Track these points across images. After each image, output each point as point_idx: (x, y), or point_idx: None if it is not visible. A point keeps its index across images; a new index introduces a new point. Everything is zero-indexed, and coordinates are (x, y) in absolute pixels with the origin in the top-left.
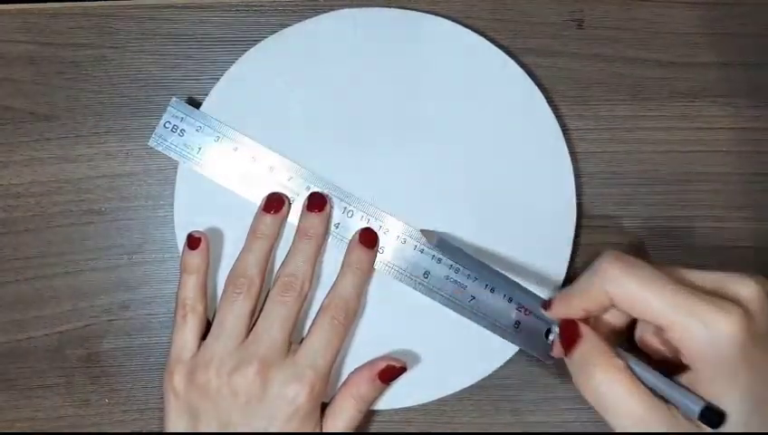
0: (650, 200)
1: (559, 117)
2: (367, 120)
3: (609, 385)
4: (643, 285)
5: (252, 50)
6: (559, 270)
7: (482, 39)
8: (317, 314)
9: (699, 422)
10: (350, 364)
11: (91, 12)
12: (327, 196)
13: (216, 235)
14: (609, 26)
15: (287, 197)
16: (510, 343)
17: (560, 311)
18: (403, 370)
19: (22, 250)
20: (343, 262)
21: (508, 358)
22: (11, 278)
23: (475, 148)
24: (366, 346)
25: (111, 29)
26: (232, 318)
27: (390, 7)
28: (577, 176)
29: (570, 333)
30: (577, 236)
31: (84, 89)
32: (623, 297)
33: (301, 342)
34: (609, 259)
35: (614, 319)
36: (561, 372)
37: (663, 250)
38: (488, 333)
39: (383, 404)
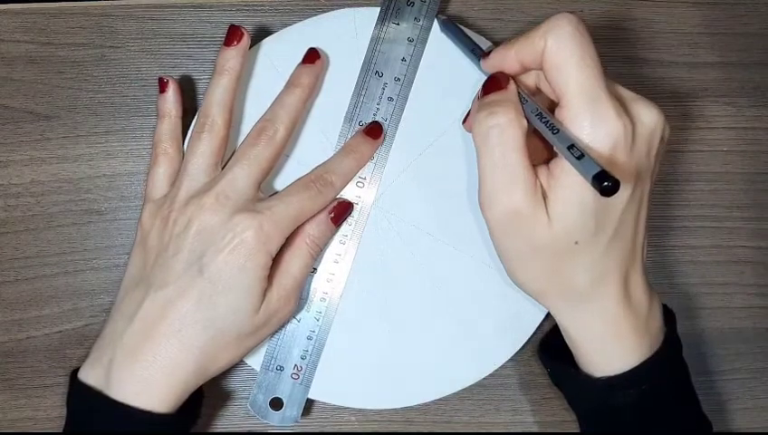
0: (650, 200)
1: None
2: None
3: (500, 131)
4: (579, 53)
5: (252, 50)
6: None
7: (482, 39)
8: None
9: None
10: (350, 363)
11: (91, 12)
12: (321, 52)
13: None
14: (608, 26)
15: (245, 28)
16: (510, 344)
17: (498, 57)
18: (351, 206)
19: (22, 250)
20: (344, 145)
21: (508, 358)
22: (11, 278)
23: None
24: (366, 346)
25: (111, 29)
26: (194, 157)
27: None
28: None
29: (496, 80)
30: None
31: (84, 89)
32: (556, 53)
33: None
34: (566, 16)
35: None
36: None
37: (663, 250)
38: (488, 332)
39: (384, 404)
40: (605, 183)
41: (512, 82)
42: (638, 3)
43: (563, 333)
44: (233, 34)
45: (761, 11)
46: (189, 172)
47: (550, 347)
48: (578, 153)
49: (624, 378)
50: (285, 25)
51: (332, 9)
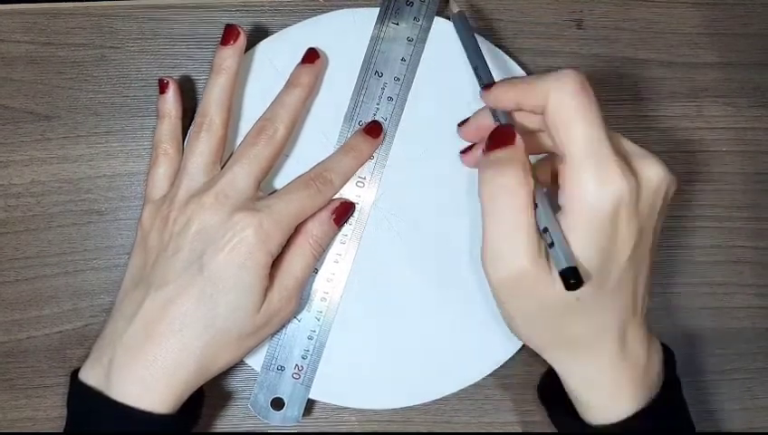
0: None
1: None
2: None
3: (509, 192)
4: (583, 110)
5: (252, 50)
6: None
7: (482, 39)
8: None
9: (556, 274)
10: (351, 362)
11: (91, 12)
12: (321, 51)
13: None
14: (608, 26)
15: (242, 27)
16: (510, 344)
17: (498, 94)
18: (353, 206)
19: (22, 250)
20: (343, 144)
21: (508, 358)
22: (11, 278)
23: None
24: (366, 345)
25: (111, 29)
26: (193, 157)
27: None
28: None
29: (504, 134)
30: None
31: (84, 89)
32: (558, 107)
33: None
34: (572, 74)
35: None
36: None
37: (663, 250)
38: (488, 332)
39: (384, 404)
40: (571, 280)
41: (519, 138)
42: (637, 3)
43: (562, 382)
44: (229, 34)
45: (760, 11)
46: (188, 171)
47: (547, 389)
48: (549, 240)
49: (619, 427)
50: (285, 26)
51: (332, 9)
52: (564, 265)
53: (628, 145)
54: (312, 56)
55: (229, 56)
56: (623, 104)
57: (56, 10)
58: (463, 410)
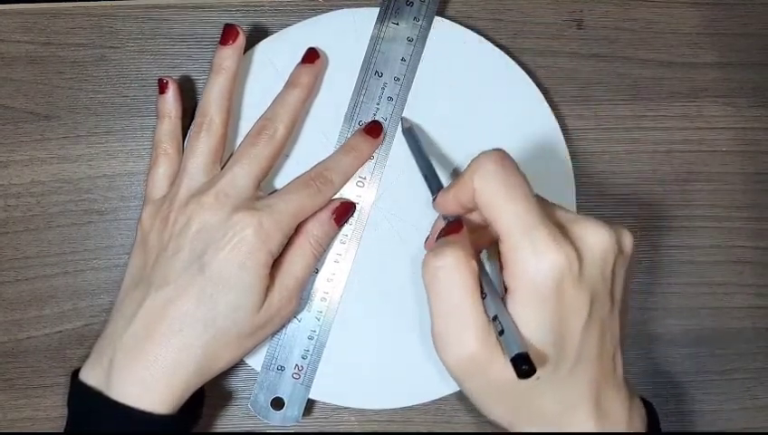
0: (650, 200)
1: (559, 117)
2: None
3: (449, 270)
4: (504, 189)
5: (252, 50)
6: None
7: (482, 39)
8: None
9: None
10: (351, 362)
11: (91, 12)
12: (321, 51)
13: None
14: (608, 26)
15: (241, 27)
16: None
17: (441, 201)
18: (354, 206)
19: (22, 250)
20: (343, 144)
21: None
22: (11, 278)
23: (475, 148)
24: (366, 345)
25: (111, 29)
26: (193, 157)
27: None
28: (577, 176)
29: (449, 228)
30: None
31: (84, 89)
32: (482, 191)
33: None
34: (489, 155)
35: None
36: None
37: (663, 250)
38: None
39: (384, 404)
40: (523, 366)
41: (464, 229)
42: (637, 3)
43: None
44: (228, 34)
45: (760, 11)
46: (188, 171)
47: None
48: (500, 327)
49: None
50: (285, 26)
51: (332, 9)
52: (515, 352)
53: (565, 214)
54: (311, 56)
55: (228, 56)
56: (623, 104)
57: (56, 10)
58: (463, 410)
